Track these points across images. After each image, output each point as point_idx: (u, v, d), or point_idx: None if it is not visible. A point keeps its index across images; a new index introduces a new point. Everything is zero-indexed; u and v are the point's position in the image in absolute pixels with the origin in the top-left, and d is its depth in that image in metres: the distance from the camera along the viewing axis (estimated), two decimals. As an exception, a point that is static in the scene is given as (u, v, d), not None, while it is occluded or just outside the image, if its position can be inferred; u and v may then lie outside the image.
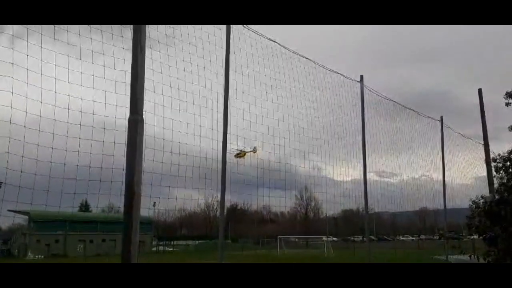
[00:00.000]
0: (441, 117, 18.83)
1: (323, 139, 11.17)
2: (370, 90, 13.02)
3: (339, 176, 12.18)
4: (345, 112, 12.29)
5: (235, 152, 7.04)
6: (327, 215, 73.75)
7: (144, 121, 4.92)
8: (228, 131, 7.28)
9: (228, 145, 7.14)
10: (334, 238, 73.87)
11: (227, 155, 7.23)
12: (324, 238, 55.50)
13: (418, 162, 17.31)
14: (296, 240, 68.59)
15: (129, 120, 4.84)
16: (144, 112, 4.99)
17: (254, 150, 7.25)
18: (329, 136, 11.51)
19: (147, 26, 5.22)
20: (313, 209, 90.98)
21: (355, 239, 67.07)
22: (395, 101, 14.68)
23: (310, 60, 10.29)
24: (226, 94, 7.52)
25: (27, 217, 51.83)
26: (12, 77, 4.97)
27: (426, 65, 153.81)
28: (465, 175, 21.26)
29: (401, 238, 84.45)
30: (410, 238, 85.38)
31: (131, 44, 5.04)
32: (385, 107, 14.14)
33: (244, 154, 7.59)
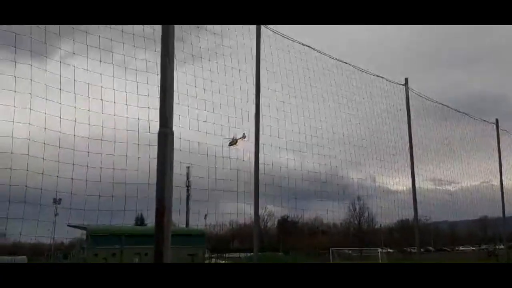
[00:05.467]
0: (496, 120, 17.75)
1: (372, 147, 10.81)
2: (416, 94, 12.45)
3: (393, 185, 11.75)
4: (392, 118, 11.84)
5: (228, 142, 7.15)
6: (382, 226, 71.67)
7: (174, 134, 4.86)
8: (262, 141, 7.22)
9: (261, 155, 7.09)
10: (390, 250, 71.53)
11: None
12: (379, 249, 54.01)
13: (476, 168, 16.37)
14: (350, 252, 66.96)
15: (159, 133, 4.80)
16: (177, 127, 4.95)
17: (243, 136, 7.29)
18: (379, 144, 11.14)
19: (176, 41, 5.16)
20: (366, 220, 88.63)
21: (412, 250, 64.59)
22: (444, 104, 13.97)
23: (349, 64, 9.99)
24: (257, 101, 7.44)
25: (85, 231, 53.78)
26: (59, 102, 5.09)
27: (475, 67, 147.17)
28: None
29: (461, 248, 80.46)
30: (471, 248, 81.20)
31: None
32: (434, 111, 13.50)
33: (236, 142, 7.65)
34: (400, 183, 11.95)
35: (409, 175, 11.99)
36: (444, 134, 14.16)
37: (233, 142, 7.49)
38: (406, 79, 12.31)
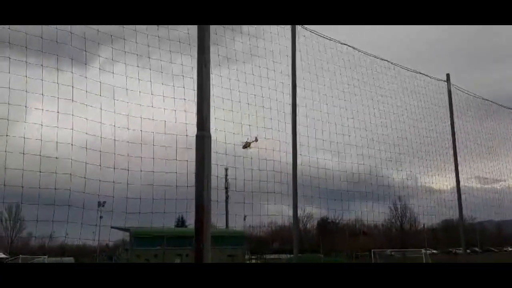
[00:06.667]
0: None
1: (413, 146, 10.55)
2: (459, 89, 12.05)
3: (436, 184, 11.42)
4: (433, 115, 11.53)
5: (243, 145, 7.25)
6: (425, 226, 69.83)
7: (211, 137, 4.90)
8: (299, 143, 7.22)
9: (299, 157, 7.08)
10: (434, 251, 69.56)
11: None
12: (423, 250, 52.70)
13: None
14: (392, 253, 65.57)
15: (196, 137, 4.84)
16: (214, 129, 4.99)
17: (256, 140, 7.32)
18: (420, 142, 10.87)
19: (211, 45, 5.20)
20: (408, 220, 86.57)
21: (457, 251, 62.52)
22: (488, 100, 13.44)
23: (387, 61, 9.78)
24: (294, 101, 7.42)
25: (128, 233, 55.17)
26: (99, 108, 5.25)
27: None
28: None
29: (509, 249, 77.20)
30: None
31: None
32: (477, 107, 13.01)
33: (249, 145, 7.67)
34: (443, 182, 11.61)
35: (453, 173, 11.63)
36: (488, 130, 13.65)
37: (247, 145, 7.61)
38: (448, 75, 11.94)
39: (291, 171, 7.52)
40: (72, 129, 5.09)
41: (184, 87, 5.89)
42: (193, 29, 4.78)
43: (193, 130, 4.59)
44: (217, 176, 5.67)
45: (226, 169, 7.09)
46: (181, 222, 60.13)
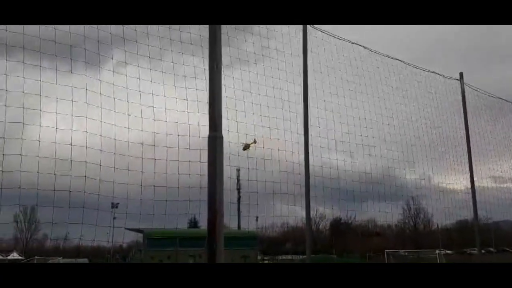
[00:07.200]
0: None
1: (426, 145, 10.46)
2: (472, 88, 11.90)
3: (450, 184, 11.31)
4: (446, 114, 11.42)
5: (242, 147, 7.32)
6: (439, 227, 69.09)
7: (223, 138, 4.90)
8: (311, 143, 7.20)
9: (311, 157, 7.06)
10: (448, 251, 68.81)
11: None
12: (437, 251, 52.20)
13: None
14: (406, 254, 65.03)
15: (209, 138, 4.85)
16: (226, 130, 5.00)
17: (255, 141, 7.32)
18: (433, 141, 10.77)
19: (223, 46, 5.21)
20: (422, 220, 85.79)
21: (472, 251, 61.77)
22: (503, 98, 13.26)
23: (400, 61, 9.71)
24: (305, 101, 7.40)
25: (141, 234, 55.51)
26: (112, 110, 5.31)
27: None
28: None
29: (526, 249, 75.97)
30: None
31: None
32: (491, 106, 12.84)
33: (249, 147, 7.68)
34: (457, 181, 11.48)
35: (467, 173, 11.50)
36: (503, 128, 13.47)
37: (246, 147, 7.66)
38: (461, 74, 11.80)
39: (303, 172, 7.50)
40: (86, 132, 5.14)
41: (196, 88, 5.92)
42: (204, 30, 4.80)
43: (205, 131, 4.60)
44: (229, 177, 5.69)
45: (238, 170, 7.11)
46: (193, 223, 60.36)
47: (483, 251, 15.38)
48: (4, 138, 4.74)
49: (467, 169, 11.56)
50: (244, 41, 6.89)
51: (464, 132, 11.65)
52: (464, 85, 11.68)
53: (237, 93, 6.56)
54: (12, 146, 4.86)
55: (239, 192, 7.54)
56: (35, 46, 5.11)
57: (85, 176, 5.05)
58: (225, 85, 5.32)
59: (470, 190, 11.47)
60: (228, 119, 6.16)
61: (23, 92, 4.98)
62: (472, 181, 11.42)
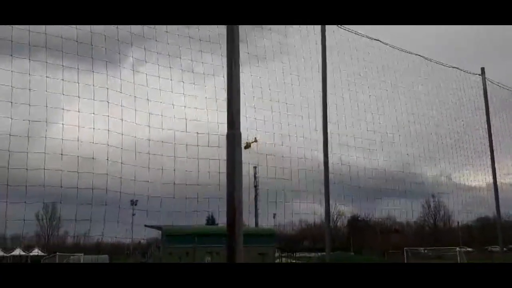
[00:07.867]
0: None
1: (447, 142, 10.31)
2: (494, 83, 11.68)
3: (471, 181, 11.14)
4: (467, 110, 11.23)
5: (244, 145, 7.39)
6: (460, 224, 68.10)
7: (242, 135, 4.90)
8: (330, 140, 7.17)
9: (330, 155, 7.02)
10: (469, 249, 67.77)
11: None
12: (458, 248, 51.50)
13: None
14: (425, 251, 64.27)
15: (227, 135, 4.85)
16: (245, 128, 4.99)
17: (255, 140, 7.32)
18: (454, 138, 10.61)
19: (241, 43, 5.20)
20: (442, 218, 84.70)
21: (493, 249, 60.70)
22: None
23: (420, 56, 9.57)
24: (324, 99, 7.36)
25: (160, 231, 56.03)
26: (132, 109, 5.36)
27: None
28: None
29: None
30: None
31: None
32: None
33: (250, 145, 7.64)
34: (478, 178, 11.30)
35: (489, 170, 11.31)
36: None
37: (247, 146, 7.68)
38: (483, 69, 11.58)
39: (321, 169, 7.46)
40: (108, 130, 5.21)
41: (215, 86, 5.94)
42: (222, 28, 4.81)
43: (224, 129, 4.61)
44: (248, 174, 5.69)
45: (255, 167, 7.12)
46: (211, 221, 60.64)
47: (504, 248, 15.10)
48: (28, 136, 4.83)
49: (489, 165, 11.38)
50: (262, 37, 6.88)
51: (486, 127, 11.46)
52: (486, 80, 11.47)
53: (257, 91, 6.56)
54: (35, 144, 4.96)
55: (256, 190, 7.56)
56: (57, 46, 5.19)
57: (107, 174, 5.11)
58: (243, 82, 5.33)
59: (492, 187, 11.29)
60: (246, 116, 6.16)
61: (46, 91, 5.06)
62: (495, 178, 11.24)
